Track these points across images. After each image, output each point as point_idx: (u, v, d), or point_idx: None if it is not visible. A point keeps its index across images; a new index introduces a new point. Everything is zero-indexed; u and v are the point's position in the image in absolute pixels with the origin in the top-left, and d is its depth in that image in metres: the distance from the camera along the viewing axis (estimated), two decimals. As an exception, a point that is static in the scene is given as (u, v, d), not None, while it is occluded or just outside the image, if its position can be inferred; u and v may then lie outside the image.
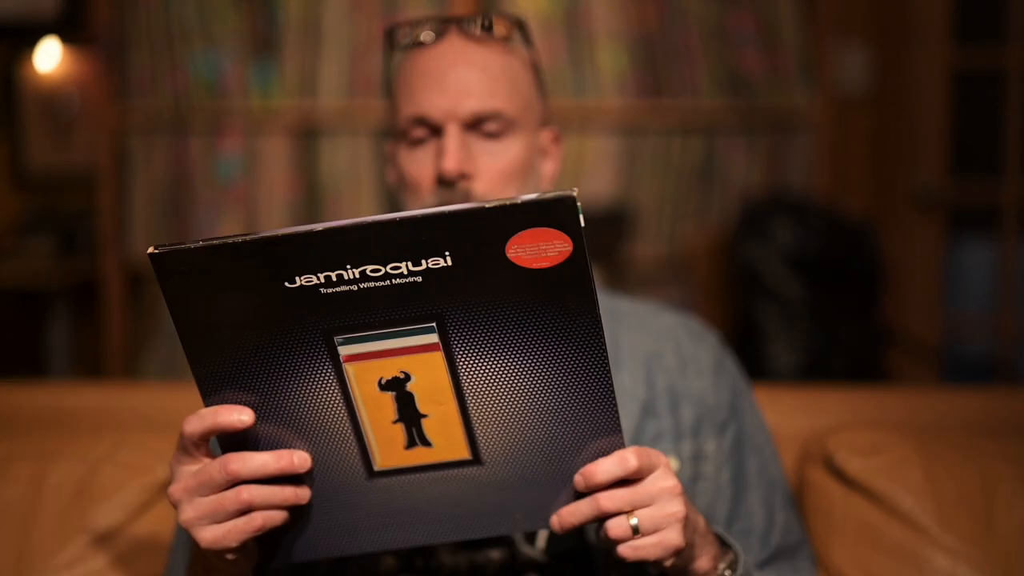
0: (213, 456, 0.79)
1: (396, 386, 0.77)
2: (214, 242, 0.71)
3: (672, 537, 0.80)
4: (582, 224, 0.71)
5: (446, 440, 0.79)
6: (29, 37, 3.08)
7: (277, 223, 2.89)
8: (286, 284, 0.73)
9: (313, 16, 2.86)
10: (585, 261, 0.71)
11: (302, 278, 0.72)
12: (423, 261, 0.72)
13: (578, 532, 1.00)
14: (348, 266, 0.72)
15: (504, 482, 0.81)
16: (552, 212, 0.70)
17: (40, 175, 3.15)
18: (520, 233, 0.71)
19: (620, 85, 2.86)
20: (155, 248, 0.72)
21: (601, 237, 2.70)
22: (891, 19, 2.94)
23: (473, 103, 1.05)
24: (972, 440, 1.22)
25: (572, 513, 0.81)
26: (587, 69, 2.86)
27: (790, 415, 1.31)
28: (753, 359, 2.51)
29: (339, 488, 0.81)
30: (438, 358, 0.76)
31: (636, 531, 0.79)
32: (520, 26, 1.10)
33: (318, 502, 0.81)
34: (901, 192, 2.96)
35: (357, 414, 0.78)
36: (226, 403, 0.77)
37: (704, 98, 2.87)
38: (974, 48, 2.93)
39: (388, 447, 0.79)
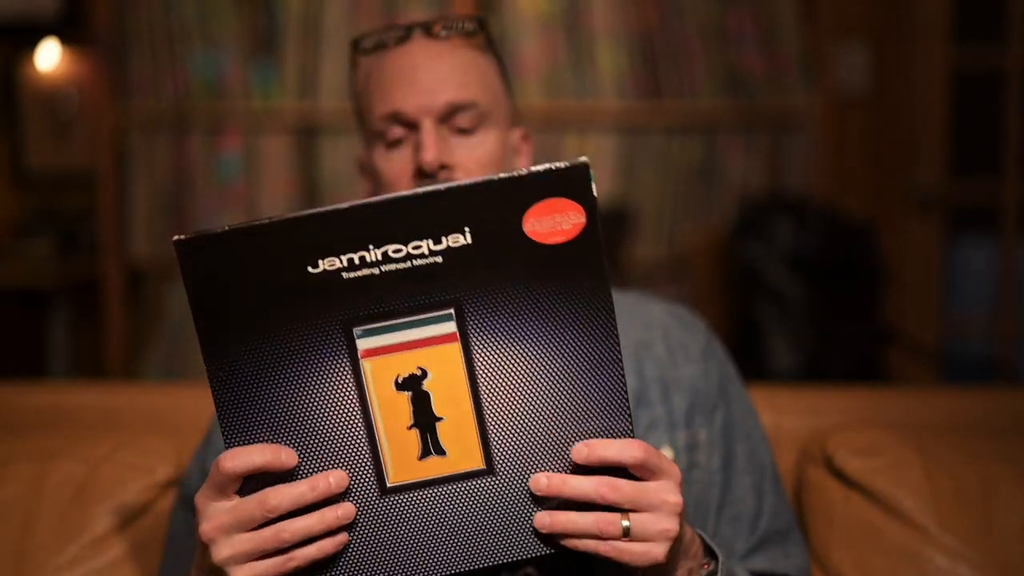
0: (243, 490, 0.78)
1: (413, 385, 0.77)
2: (241, 226, 0.72)
3: (657, 552, 0.79)
4: (595, 194, 0.72)
5: (460, 447, 0.78)
6: (29, 37, 3.08)
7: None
8: (309, 269, 0.73)
9: (313, 16, 2.86)
10: (598, 233, 0.73)
11: (325, 262, 0.73)
12: (443, 239, 0.72)
13: None
14: (371, 246, 0.73)
15: (517, 495, 0.80)
16: (566, 181, 0.71)
17: (40, 175, 3.15)
18: (535, 205, 0.72)
19: (620, 85, 2.86)
20: (180, 236, 0.72)
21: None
22: (891, 19, 2.94)
23: (447, 95, 1.05)
24: (972, 440, 1.22)
25: (571, 486, 0.78)
26: (587, 69, 2.86)
27: (790, 415, 1.31)
28: (753, 359, 2.51)
29: (355, 512, 0.79)
30: (455, 350, 0.76)
31: (626, 533, 0.78)
32: (483, 25, 1.10)
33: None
34: (901, 192, 2.96)
35: (372, 420, 0.77)
36: (243, 415, 0.76)
37: (704, 98, 2.87)
38: (974, 48, 2.93)
39: (402, 457, 0.78)
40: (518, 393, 0.78)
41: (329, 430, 0.78)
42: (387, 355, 0.76)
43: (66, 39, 3.09)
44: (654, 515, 0.79)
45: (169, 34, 2.87)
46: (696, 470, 1.06)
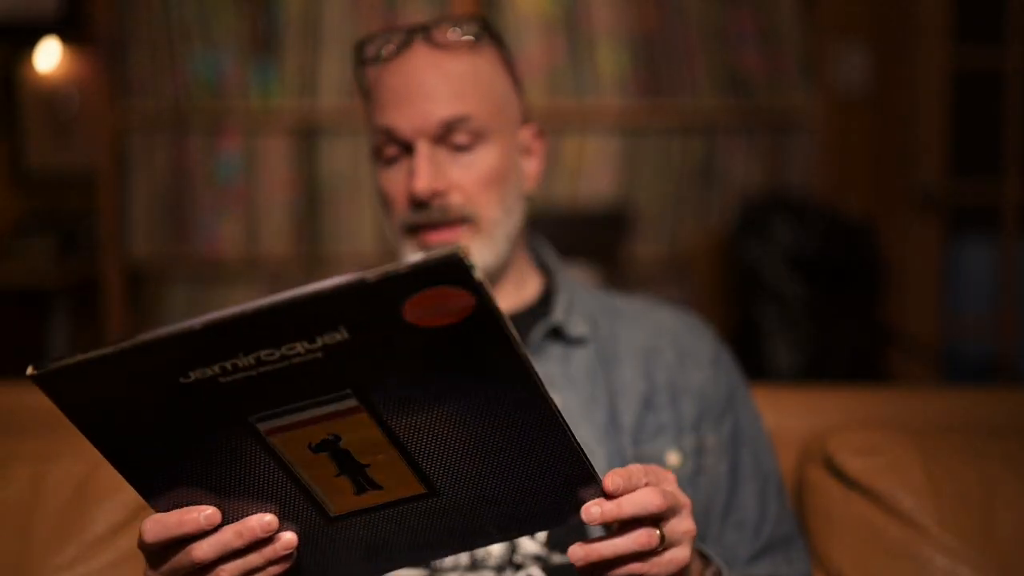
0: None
1: (328, 447, 0.73)
2: (94, 355, 0.67)
3: (684, 555, 0.77)
4: (479, 277, 0.64)
5: (396, 481, 0.76)
6: (29, 37, 3.08)
7: (277, 223, 2.89)
8: (181, 380, 0.68)
9: (313, 16, 2.86)
10: (492, 312, 0.65)
11: (196, 372, 0.67)
12: (317, 338, 0.66)
13: (578, 526, 1.00)
14: (240, 354, 0.67)
15: (466, 506, 0.78)
16: (442, 272, 0.64)
17: (40, 175, 3.15)
18: (414, 296, 0.65)
19: (620, 85, 2.86)
20: (34, 369, 0.68)
21: (601, 237, 2.70)
22: (891, 19, 2.94)
23: (440, 111, 1.04)
24: (972, 440, 1.22)
25: (628, 503, 0.74)
26: (587, 69, 2.86)
27: (790, 415, 1.31)
28: (753, 359, 2.51)
29: (302, 536, 0.77)
30: (364, 418, 0.71)
31: (662, 542, 0.75)
32: (486, 26, 1.09)
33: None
34: (901, 192, 2.96)
35: (298, 476, 0.75)
36: (166, 496, 0.74)
37: (704, 98, 2.87)
38: (974, 48, 2.93)
39: (338, 496, 0.76)
40: (445, 439, 0.74)
41: (256, 490, 0.75)
42: (293, 430, 0.72)
43: (66, 39, 3.09)
44: (677, 518, 0.77)
45: (169, 34, 2.87)
46: (702, 475, 1.06)
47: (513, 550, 1.00)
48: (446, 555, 0.82)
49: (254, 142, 2.89)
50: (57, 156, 3.15)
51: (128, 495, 1.15)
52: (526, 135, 1.12)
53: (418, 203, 1.05)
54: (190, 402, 0.69)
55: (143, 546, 0.75)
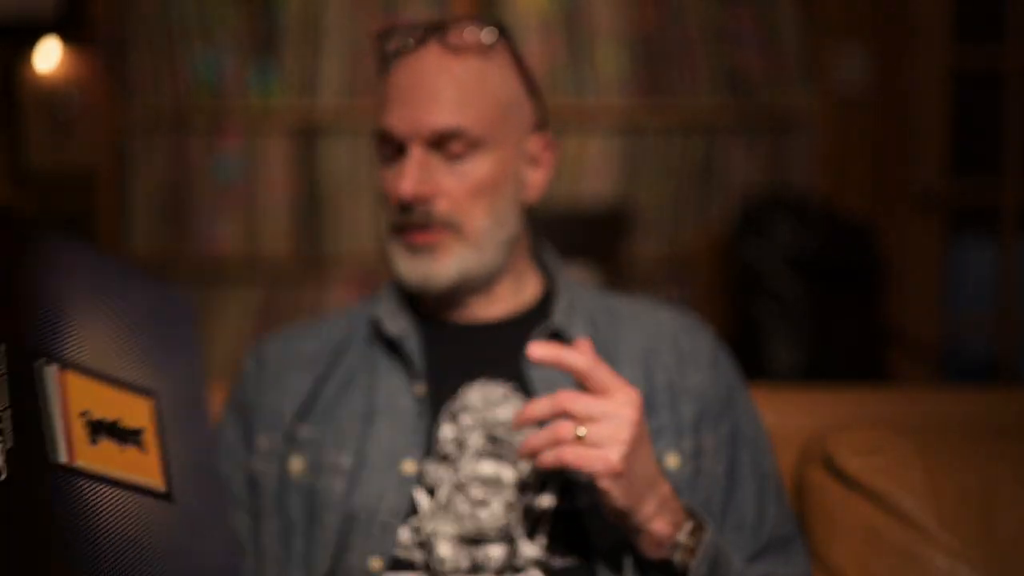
0: None
1: (96, 428, 0.80)
2: None
3: (612, 457, 0.89)
4: None
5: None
6: (29, 37, 3.08)
7: (277, 222, 2.89)
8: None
9: (313, 16, 2.86)
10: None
11: None
12: None
13: (578, 529, 1.01)
14: None
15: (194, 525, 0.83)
16: None
17: (40, 175, 3.15)
18: None
19: (620, 85, 2.86)
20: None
21: (601, 237, 2.70)
22: (891, 19, 2.94)
23: (435, 120, 1.04)
24: (972, 440, 1.22)
25: (533, 408, 0.93)
26: (587, 69, 2.86)
27: (790, 415, 1.31)
28: (753, 359, 2.51)
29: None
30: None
31: (581, 437, 0.90)
32: (502, 31, 1.09)
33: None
34: (901, 192, 2.96)
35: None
36: None
37: (704, 98, 2.87)
38: (974, 48, 2.93)
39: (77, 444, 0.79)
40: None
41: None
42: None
43: (66, 39, 3.09)
44: (608, 423, 0.90)
45: (169, 34, 2.87)
46: (701, 476, 1.06)
47: (513, 554, 1.00)
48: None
49: (254, 142, 2.89)
50: (57, 156, 3.14)
51: (128, 495, 1.15)
52: (535, 144, 1.12)
53: (403, 205, 1.05)
54: None
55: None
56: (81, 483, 0.76)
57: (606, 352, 1.10)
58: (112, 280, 0.93)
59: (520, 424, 0.94)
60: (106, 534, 0.75)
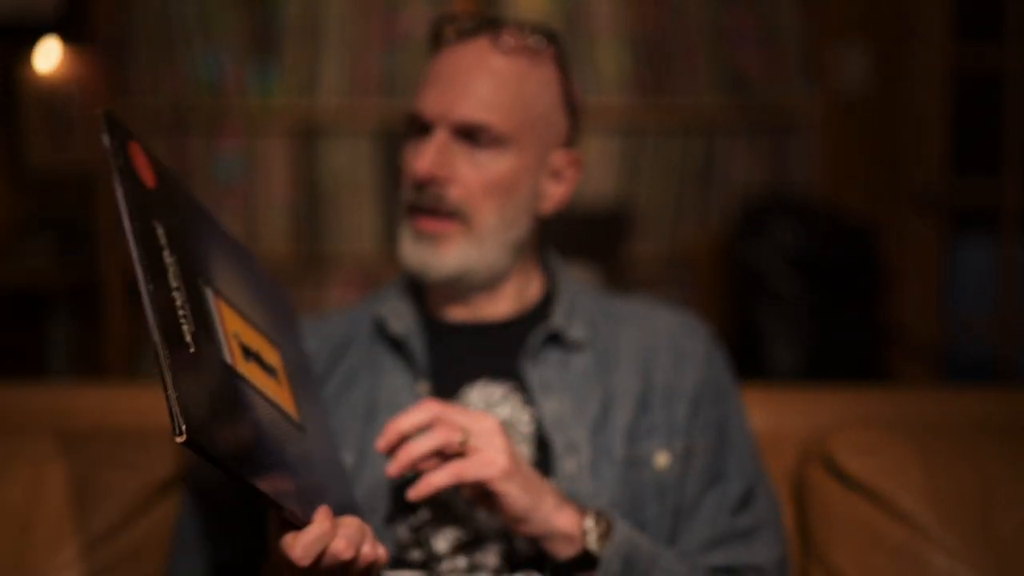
0: None
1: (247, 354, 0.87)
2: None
3: (501, 460, 0.90)
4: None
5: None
6: (29, 37, 3.08)
7: (277, 222, 2.89)
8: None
9: (313, 16, 2.86)
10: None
11: None
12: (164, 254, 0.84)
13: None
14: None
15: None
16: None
17: (40, 175, 3.15)
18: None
19: (620, 85, 2.86)
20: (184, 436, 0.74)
21: (601, 237, 2.70)
22: (891, 19, 2.94)
23: (464, 111, 1.05)
24: (972, 440, 1.22)
25: (401, 422, 0.93)
26: (587, 69, 2.86)
27: (790, 415, 1.31)
28: (753, 359, 2.51)
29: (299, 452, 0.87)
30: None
31: (463, 443, 0.91)
32: (554, 41, 1.10)
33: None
34: (901, 192, 2.96)
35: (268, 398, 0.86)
36: (296, 495, 0.82)
37: (704, 98, 2.87)
38: (974, 48, 2.93)
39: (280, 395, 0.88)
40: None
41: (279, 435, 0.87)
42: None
43: (66, 39, 3.09)
44: (478, 429, 0.92)
45: (169, 34, 2.87)
46: (690, 476, 1.07)
47: (511, 554, 1.01)
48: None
49: (254, 142, 2.89)
50: (57, 156, 3.14)
51: (128, 495, 1.15)
52: (561, 159, 1.12)
53: (418, 184, 1.05)
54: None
55: (297, 571, 0.82)
56: (242, 384, 0.82)
57: (605, 352, 1.11)
58: (238, 244, 1.02)
59: (391, 443, 0.92)
60: (261, 430, 0.82)
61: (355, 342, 1.13)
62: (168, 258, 0.80)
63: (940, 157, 2.94)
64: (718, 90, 2.87)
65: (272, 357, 0.91)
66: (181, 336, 0.76)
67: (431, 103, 1.07)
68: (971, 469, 1.16)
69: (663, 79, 2.87)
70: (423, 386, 1.07)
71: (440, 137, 1.05)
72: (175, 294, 0.78)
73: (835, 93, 2.90)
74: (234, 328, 0.86)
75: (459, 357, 1.09)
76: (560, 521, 0.94)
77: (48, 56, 3.11)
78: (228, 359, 0.81)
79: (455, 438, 0.90)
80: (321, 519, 0.81)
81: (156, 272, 0.78)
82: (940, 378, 2.89)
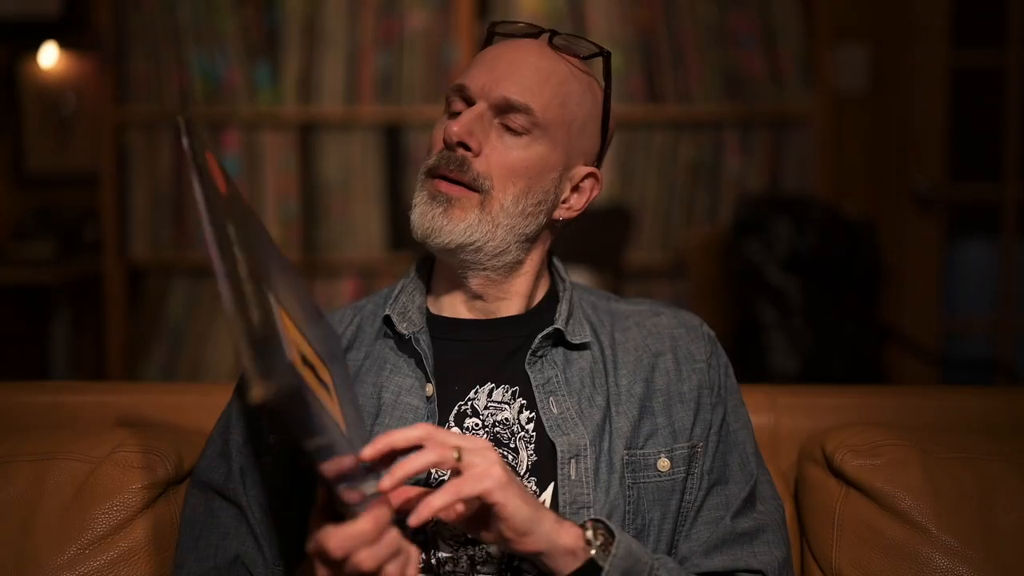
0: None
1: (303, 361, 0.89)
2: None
3: (496, 471, 0.90)
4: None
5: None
6: (30, 38, 3.08)
7: (277, 222, 2.89)
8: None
9: (313, 16, 2.86)
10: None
11: None
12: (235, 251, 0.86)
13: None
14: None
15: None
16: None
17: (40, 175, 3.15)
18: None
19: (620, 86, 2.86)
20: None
21: (601, 237, 2.70)
22: (891, 19, 2.94)
23: (508, 89, 1.06)
24: (972, 440, 1.22)
25: (395, 436, 0.90)
26: (587, 69, 2.86)
27: (790, 415, 1.31)
28: (753, 359, 2.51)
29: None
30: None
31: (459, 458, 0.90)
32: (606, 58, 1.11)
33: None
34: (900, 191, 2.96)
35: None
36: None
37: (704, 98, 2.87)
38: (974, 48, 2.93)
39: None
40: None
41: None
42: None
43: (67, 40, 3.09)
44: (469, 445, 0.91)
45: (169, 34, 2.87)
46: (692, 479, 1.07)
47: (512, 554, 1.01)
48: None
49: (254, 142, 2.89)
50: (57, 156, 3.15)
51: (128, 495, 1.15)
52: (583, 172, 1.12)
53: (447, 144, 1.06)
54: None
55: (328, 561, 0.84)
56: (300, 380, 0.83)
57: (607, 356, 1.11)
58: (293, 267, 1.02)
59: (380, 453, 0.90)
60: (321, 420, 0.83)
61: (360, 339, 1.13)
62: (239, 254, 0.83)
63: (940, 157, 2.94)
64: (718, 90, 2.87)
65: (325, 375, 0.92)
66: (251, 317, 0.79)
67: (477, 77, 1.07)
68: (971, 469, 1.16)
69: (663, 80, 2.87)
70: (430, 387, 1.07)
71: (479, 109, 1.06)
72: (245, 286, 0.81)
73: (834, 93, 2.90)
74: (292, 335, 0.88)
75: (465, 358, 1.09)
76: (562, 535, 0.93)
77: (49, 57, 3.11)
78: (289, 357, 0.83)
79: (450, 455, 0.89)
80: (368, 520, 0.83)
81: (228, 256, 0.81)
82: (940, 378, 2.89)
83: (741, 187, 2.87)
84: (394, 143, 2.87)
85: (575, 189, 1.12)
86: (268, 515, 1.07)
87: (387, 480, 0.88)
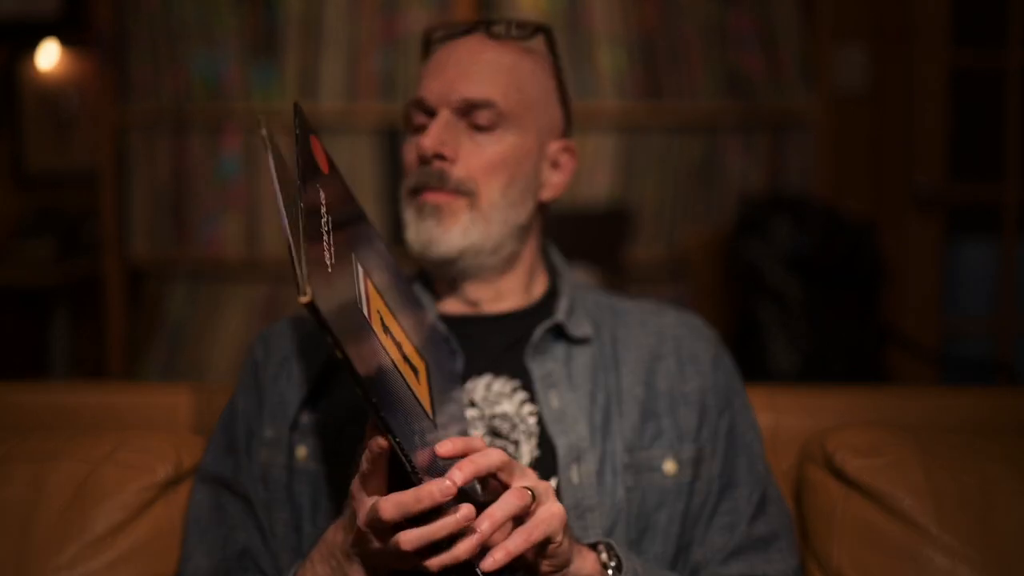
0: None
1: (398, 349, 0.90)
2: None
3: (557, 508, 0.85)
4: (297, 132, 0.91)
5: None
6: (30, 37, 3.08)
7: (277, 222, 2.89)
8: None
9: (313, 16, 2.86)
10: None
11: None
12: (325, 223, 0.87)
13: (579, 523, 1.01)
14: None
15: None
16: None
17: (40, 175, 3.16)
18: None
19: (620, 85, 2.86)
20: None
21: (601, 237, 2.70)
22: (891, 20, 2.94)
23: (466, 89, 1.07)
24: (972, 440, 1.22)
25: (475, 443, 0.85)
26: (587, 69, 2.86)
27: (790, 415, 1.31)
28: (753, 359, 2.51)
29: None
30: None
31: (535, 498, 0.84)
32: (546, 33, 1.13)
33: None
34: (901, 192, 2.96)
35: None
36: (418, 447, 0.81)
37: (704, 98, 2.87)
38: (974, 48, 2.93)
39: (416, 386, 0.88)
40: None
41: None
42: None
43: (66, 39, 3.09)
44: (540, 489, 0.86)
45: (169, 34, 2.87)
46: (699, 481, 1.06)
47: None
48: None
49: (254, 142, 2.89)
50: (57, 156, 3.15)
51: (128, 495, 1.15)
52: (556, 148, 1.13)
53: (423, 160, 1.06)
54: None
55: (374, 525, 0.80)
56: (371, 331, 0.82)
57: (608, 350, 1.11)
58: (395, 263, 1.03)
59: (454, 451, 0.84)
60: (386, 373, 0.82)
61: None
62: (324, 213, 0.83)
63: (940, 157, 2.94)
64: (718, 90, 2.87)
65: (417, 362, 0.90)
66: (321, 249, 0.79)
67: (432, 89, 1.09)
68: (971, 469, 1.16)
69: (663, 80, 2.87)
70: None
71: (444, 117, 1.07)
72: (323, 231, 0.81)
73: (834, 93, 2.90)
74: (377, 306, 0.86)
75: (466, 351, 1.09)
76: (586, 564, 0.91)
77: (48, 56, 3.11)
78: (364, 309, 0.82)
79: (529, 503, 0.83)
80: (433, 488, 0.78)
81: (308, 205, 0.81)
82: (940, 378, 2.89)
83: (741, 187, 2.86)
84: (394, 143, 2.87)
85: (554, 166, 1.14)
86: (269, 509, 1.07)
87: (475, 539, 0.82)
